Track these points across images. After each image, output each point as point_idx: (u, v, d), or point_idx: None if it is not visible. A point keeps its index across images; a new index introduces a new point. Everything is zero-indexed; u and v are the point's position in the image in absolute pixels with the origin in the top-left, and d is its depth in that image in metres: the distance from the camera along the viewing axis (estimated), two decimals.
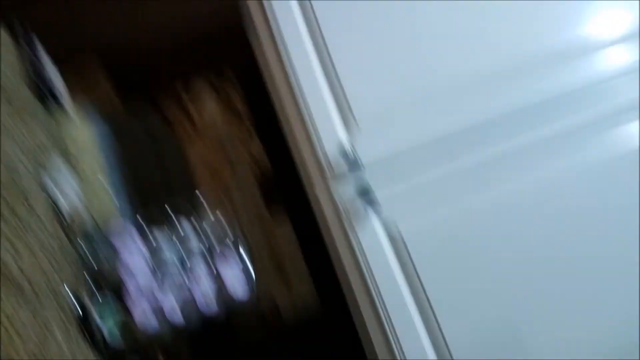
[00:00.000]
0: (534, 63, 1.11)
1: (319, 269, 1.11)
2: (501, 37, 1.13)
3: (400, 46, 1.12)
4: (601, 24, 1.14)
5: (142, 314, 0.84)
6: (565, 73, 1.11)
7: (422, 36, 1.13)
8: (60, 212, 0.91)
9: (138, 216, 0.98)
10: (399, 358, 0.97)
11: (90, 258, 0.89)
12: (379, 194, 1.03)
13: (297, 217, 1.20)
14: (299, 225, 1.19)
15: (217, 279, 0.92)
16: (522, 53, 1.12)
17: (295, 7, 1.13)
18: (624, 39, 1.13)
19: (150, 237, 0.95)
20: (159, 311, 0.84)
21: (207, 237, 0.98)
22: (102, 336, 0.81)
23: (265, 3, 1.12)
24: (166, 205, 1.01)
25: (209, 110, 1.29)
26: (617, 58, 1.13)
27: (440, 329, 0.98)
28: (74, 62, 1.29)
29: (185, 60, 1.41)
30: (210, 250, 0.96)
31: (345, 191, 1.03)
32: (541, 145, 1.07)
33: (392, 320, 0.99)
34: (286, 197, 1.20)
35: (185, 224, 1.02)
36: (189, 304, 0.87)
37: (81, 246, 0.91)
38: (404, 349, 0.98)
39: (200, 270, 0.92)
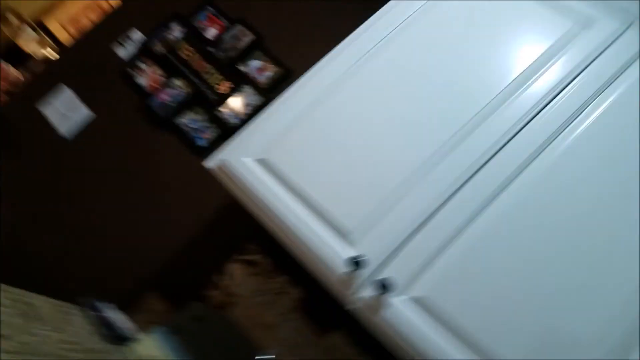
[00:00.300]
0: (471, 126, 1.25)
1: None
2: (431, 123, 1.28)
3: (349, 158, 1.29)
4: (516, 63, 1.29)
5: None
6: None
7: (369, 144, 1.29)
8: None
9: None
10: None
11: None
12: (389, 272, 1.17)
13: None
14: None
15: None
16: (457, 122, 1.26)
17: (257, 168, 1.36)
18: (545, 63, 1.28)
19: None
20: None
21: None
22: None
23: (236, 180, 1.35)
24: None
25: (243, 281, 1.58)
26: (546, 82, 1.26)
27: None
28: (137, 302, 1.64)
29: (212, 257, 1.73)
30: None
31: (367, 291, 1.17)
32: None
33: None
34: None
35: None
36: None
37: None
38: None
39: None
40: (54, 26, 3.28)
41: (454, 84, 1.31)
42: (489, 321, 1.12)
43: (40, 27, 3.18)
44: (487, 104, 1.27)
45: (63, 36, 3.18)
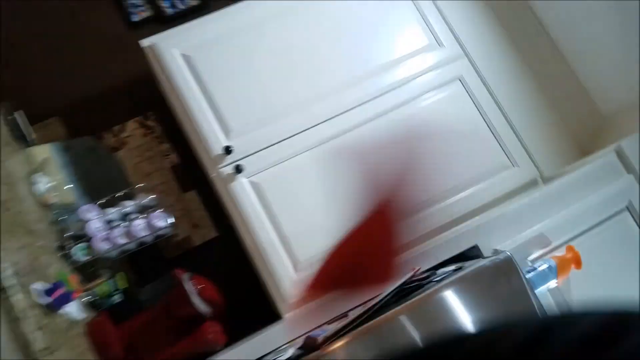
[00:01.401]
0: (347, 82, 1.92)
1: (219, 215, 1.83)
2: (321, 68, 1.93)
3: (254, 78, 1.86)
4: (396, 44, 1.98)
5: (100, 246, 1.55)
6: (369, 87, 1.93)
7: (267, 71, 1.87)
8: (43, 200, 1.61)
9: (95, 202, 1.70)
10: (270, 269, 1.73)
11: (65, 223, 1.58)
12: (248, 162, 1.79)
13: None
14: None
15: (149, 224, 1.62)
16: (338, 77, 1.92)
17: (180, 61, 1.86)
18: (415, 53, 1.99)
19: (103, 211, 1.65)
20: (111, 242, 1.54)
21: (142, 207, 1.68)
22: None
23: (161, 63, 1.83)
24: (113, 195, 1.73)
25: (136, 137, 2.01)
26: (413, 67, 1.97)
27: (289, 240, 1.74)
28: (42, 121, 1.98)
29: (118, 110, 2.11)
30: (145, 212, 1.67)
31: (227, 169, 1.79)
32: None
33: (261, 239, 1.73)
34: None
35: (127, 202, 1.73)
36: (132, 237, 1.57)
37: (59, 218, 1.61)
38: (270, 261, 1.74)
39: (138, 221, 1.62)
40: None
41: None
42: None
43: None
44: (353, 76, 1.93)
45: None
